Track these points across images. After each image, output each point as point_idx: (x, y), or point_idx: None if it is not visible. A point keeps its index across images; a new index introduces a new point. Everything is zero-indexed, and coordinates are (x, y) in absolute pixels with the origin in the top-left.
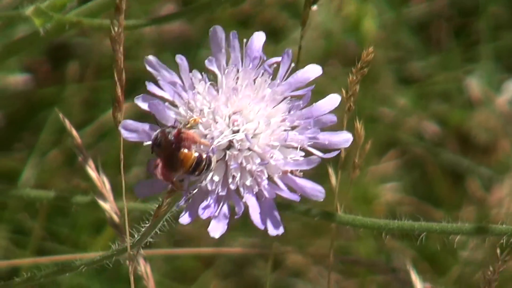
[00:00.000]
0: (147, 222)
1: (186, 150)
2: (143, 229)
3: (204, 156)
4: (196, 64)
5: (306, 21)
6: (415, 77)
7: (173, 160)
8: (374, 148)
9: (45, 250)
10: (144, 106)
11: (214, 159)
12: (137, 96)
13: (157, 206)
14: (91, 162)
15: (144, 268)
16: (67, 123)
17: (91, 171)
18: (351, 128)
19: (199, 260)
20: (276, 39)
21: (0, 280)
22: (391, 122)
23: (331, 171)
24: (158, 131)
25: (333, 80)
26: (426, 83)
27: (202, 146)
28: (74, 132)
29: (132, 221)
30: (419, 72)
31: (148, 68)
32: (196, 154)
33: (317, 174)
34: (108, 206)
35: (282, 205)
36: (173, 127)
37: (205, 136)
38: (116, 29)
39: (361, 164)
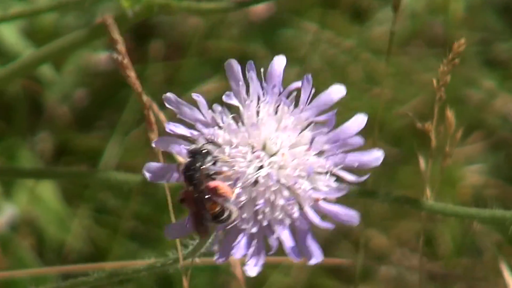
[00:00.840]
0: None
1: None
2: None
3: (227, 211)
4: (282, 44)
5: (398, 6)
6: (501, 59)
7: (201, 205)
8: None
9: (129, 231)
10: (161, 147)
11: (234, 210)
12: (154, 141)
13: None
14: None
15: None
16: (154, 106)
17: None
18: (441, 118)
19: None
20: (360, 19)
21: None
22: (476, 104)
23: (421, 161)
24: (197, 164)
25: (418, 61)
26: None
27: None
28: (162, 116)
29: None
30: (505, 54)
31: (168, 106)
32: (219, 208)
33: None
34: None
35: (368, 192)
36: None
37: (229, 177)
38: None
39: (452, 153)
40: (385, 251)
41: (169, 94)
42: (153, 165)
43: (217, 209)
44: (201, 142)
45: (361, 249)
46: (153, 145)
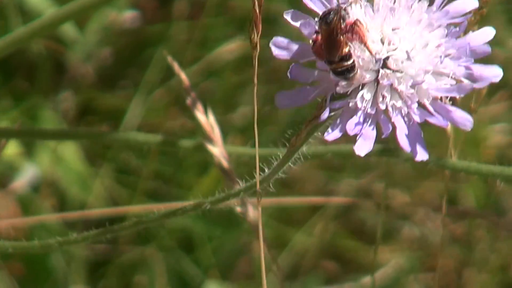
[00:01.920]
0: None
1: (344, 40)
2: (273, 164)
3: (352, 59)
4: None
5: None
6: None
7: (333, 43)
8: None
9: (150, 190)
10: (294, 23)
11: (358, 70)
12: (286, 11)
13: (295, 134)
14: (199, 106)
15: (252, 214)
16: (176, 65)
17: (200, 115)
18: None
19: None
20: None
21: (107, 222)
22: (501, 62)
23: None
24: (333, 7)
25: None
26: None
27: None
28: (183, 75)
29: (241, 167)
30: None
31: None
32: (347, 51)
33: None
34: (217, 150)
35: (391, 150)
36: (348, 13)
37: (359, 57)
38: None
39: (476, 109)
40: (408, 211)
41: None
42: (281, 39)
43: (347, 49)
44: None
45: (383, 209)
46: (284, 16)
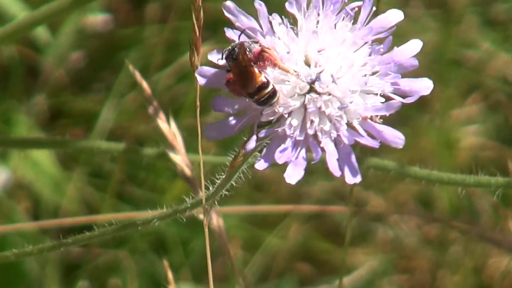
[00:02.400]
0: (222, 174)
1: (257, 70)
2: (218, 181)
3: (271, 86)
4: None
5: None
6: (500, 20)
7: (246, 76)
8: (457, 91)
9: (122, 194)
10: (215, 60)
11: (279, 94)
12: (210, 52)
13: (232, 156)
14: (161, 114)
15: (217, 221)
16: (137, 74)
17: (162, 123)
18: (433, 72)
19: (280, 204)
20: None
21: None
22: (474, 65)
23: None
24: (236, 43)
25: (415, 23)
26: (511, 26)
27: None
28: (144, 84)
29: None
30: (504, 14)
31: (226, 14)
32: (264, 79)
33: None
34: (179, 158)
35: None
36: (255, 42)
37: (283, 81)
38: None
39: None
40: (382, 213)
41: (228, 2)
42: (206, 69)
43: (261, 78)
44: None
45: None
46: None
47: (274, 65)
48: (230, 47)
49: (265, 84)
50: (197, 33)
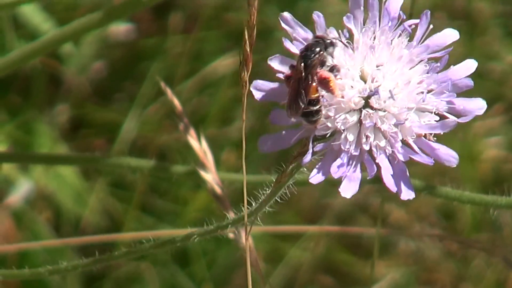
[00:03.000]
0: (266, 189)
1: (314, 84)
2: (262, 197)
3: (319, 106)
4: (302, 17)
5: None
6: None
7: (303, 85)
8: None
9: (145, 204)
10: (279, 68)
11: (322, 114)
12: (271, 57)
13: (280, 172)
14: (192, 131)
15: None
16: (169, 91)
17: (193, 141)
18: None
19: (301, 216)
20: None
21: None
22: (498, 77)
23: None
24: (317, 49)
25: None
26: None
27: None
28: (175, 101)
29: (233, 194)
30: None
31: (283, 25)
32: (316, 96)
33: None
34: (210, 177)
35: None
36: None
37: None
38: None
39: None
40: (404, 226)
41: (285, 13)
42: (261, 83)
43: (316, 95)
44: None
45: (379, 222)
46: (269, 62)
47: (330, 91)
48: (311, 47)
49: (314, 102)
50: (248, 50)
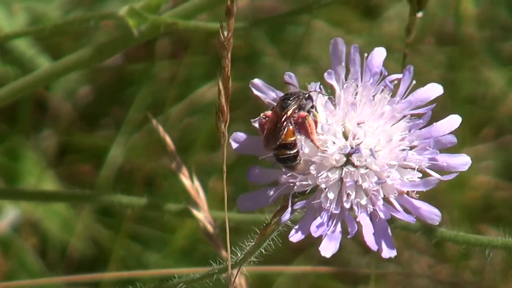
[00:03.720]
0: (251, 240)
1: (291, 127)
2: (246, 247)
3: (296, 150)
4: (289, 42)
5: (411, 29)
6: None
7: (279, 127)
8: (470, 129)
9: (132, 231)
10: (259, 94)
11: (301, 161)
12: (253, 119)
13: (264, 224)
14: (184, 170)
15: (238, 280)
16: (160, 129)
17: (185, 179)
18: (446, 109)
19: (289, 247)
20: (371, 16)
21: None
22: (487, 103)
23: None
24: (296, 93)
25: (429, 60)
26: None
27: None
28: (168, 139)
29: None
30: None
31: (255, 92)
32: (292, 140)
33: None
34: (202, 216)
35: None
36: (311, 101)
37: (323, 151)
38: (225, 33)
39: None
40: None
41: (256, 80)
42: (240, 135)
43: (292, 138)
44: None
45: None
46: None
47: (308, 135)
48: (288, 93)
49: (290, 145)
50: (224, 102)
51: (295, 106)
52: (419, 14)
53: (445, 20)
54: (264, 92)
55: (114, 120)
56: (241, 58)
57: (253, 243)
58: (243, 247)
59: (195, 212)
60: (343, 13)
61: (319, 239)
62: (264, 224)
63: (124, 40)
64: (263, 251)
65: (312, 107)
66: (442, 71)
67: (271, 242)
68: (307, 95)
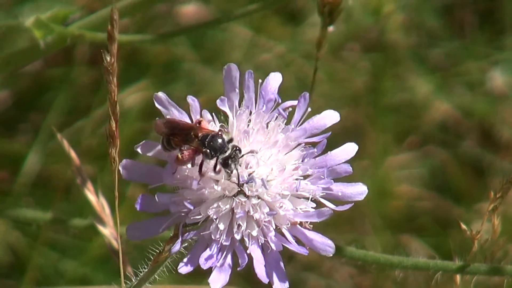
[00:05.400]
0: (145, 267)
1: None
2: (141, 274)
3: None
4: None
5: (322, 42)
6: (438, 64)
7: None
8: (393, 137)
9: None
10: (145, 153)
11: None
12: (136, 145)
13: (157, 252)
14: (89, 185)
15: None
16: (65, 143)
17: (90, 195)
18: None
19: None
20: (294, 21)
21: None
22: (412, 110)
23: None
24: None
25: (352, 67)
26: (450, 72)
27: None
28: (73, 154)
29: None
30: (442, 59)
31: (158, 106)
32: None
33: None
34: (108, 231)
35: None
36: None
37: (216, 181)
38: (108, 59)
39: None
40: (314, 263)
41: (160, 94)
42: (131, 163)
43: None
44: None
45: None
46: (138, 150)
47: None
48: (225, 142)
49: (219, 135)
50: (114, 127)
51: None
52: (331, 28)
53: (371, 27)
54: (166, 107)
55: (32, 125)
56: (160, 64)
57: (147, 270)
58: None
59: (100, 228)
60: (265, 18)
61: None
62: (158, 252)
63: (32, 52)
64: (157, 277)
65: (226, 164)
66: (366, 78)
67: (165, 269)
68: (226, 157)
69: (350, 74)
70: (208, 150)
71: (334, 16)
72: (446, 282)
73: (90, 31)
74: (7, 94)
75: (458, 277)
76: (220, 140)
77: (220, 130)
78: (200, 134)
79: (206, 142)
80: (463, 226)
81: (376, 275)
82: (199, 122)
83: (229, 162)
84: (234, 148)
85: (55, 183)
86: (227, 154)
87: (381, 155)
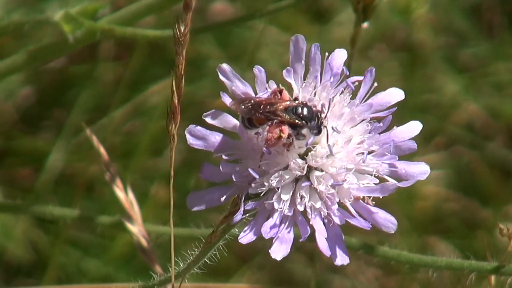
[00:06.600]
0: (195, 249)
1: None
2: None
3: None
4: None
5: (356, 39)
6: (466, 64)
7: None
8: (421, 137)
9: (72, 237)
10: (214, 123)
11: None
12: (205, 113)
13: (211, 231)
14: (118, 181)
15: None
16: (95, 139)
17: (119, 192)
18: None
19: (234, 253)
20: (321, 20)
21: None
22: (440, 111)
23: None
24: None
25: (380, 66)
26: (478, 72)
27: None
28: (102, 149)
29: (160, 246)
30: (470, 59)
31: (221, 77)
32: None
33: None
34: (136, 229)
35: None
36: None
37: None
38: (182, 29)
39: None
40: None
41: (224, 65)
42: (198, 128)
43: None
44: None
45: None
46: (207, 119)
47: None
48: (312, 108)
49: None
50: (176, 102)
51: (294, 120)
52: (365, 25)
53: (399, 27)
54: (230, 79)
55: (56, 122)
56: (186, 62)
57: (198, 252)
58: (179, 261)
59: (129, 225)
60: (292, 17)
61: (266, 247)
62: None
63: (59, 46)
64: (207, 261)
65: (301, 134)
66: (394, 78)
67: (216, 252)
68: (317, 124)
69: (377, 74)
70: (303, 121)
71: (368, 13)
72: (474, 284)
73: (121, 25)
74: (30, 91)
75: (492, 278)
76: (309, 109)
77: (296, 98)
78: (285, 107)
79: (298, 114)
80: (500, 225)
81: (402, 277)
82: (280, 92)
83: (322, 128)
84: (317, 113)
85: (78, 180)
86: (316, 121)
87: (408, 155)
